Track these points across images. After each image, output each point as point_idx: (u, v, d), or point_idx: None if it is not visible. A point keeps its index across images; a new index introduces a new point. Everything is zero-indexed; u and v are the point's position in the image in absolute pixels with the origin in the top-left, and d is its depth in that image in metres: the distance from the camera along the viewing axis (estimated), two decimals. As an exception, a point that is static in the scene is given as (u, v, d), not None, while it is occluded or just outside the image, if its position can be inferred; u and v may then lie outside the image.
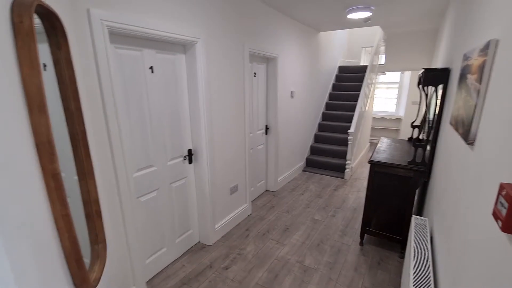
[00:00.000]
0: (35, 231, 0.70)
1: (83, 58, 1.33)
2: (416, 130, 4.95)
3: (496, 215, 0.58)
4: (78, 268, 0.86)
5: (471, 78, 1.05)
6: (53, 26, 0.88)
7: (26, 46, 0.68)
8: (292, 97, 3.79)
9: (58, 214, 0.78)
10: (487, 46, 0.90)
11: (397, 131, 6.54)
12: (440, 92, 1.93)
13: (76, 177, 1.05)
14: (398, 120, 6.44)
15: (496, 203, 0.59)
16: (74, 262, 0.84)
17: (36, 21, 0.81)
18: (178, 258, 2.28)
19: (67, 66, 0.93)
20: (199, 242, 2.51)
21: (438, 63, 2.94)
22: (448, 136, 1.53)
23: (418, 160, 2.15)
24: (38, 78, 0.70)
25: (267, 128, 3.49)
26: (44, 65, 1.00)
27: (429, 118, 2.38)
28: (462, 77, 1.25)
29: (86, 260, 1.05)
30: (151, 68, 1.80)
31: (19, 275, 0.63)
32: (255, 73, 3.04)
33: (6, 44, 0.65)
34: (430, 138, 2.07)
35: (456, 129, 1.23)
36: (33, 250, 0.69)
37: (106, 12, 1.38)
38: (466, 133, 1.02)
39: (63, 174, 0.87)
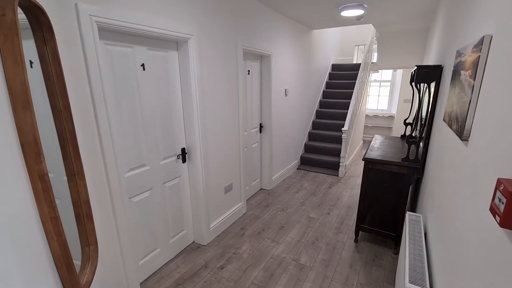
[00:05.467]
0: (20, 234, 0.67)
1: (71, 54, 1.29)
2: (409, 127, 5.01)
3: (493, 210, 0.57)
4: (68, 272, 0.83)
5: (465, 74, 1.05)
6: (39, 20, 0.84)
7: (9, 41, 0.65)
8: (286, 95, 3.78)
9: (46, 216, 0.75)
10: (480, 42, 0.90)
11: (389, 128, 6.61)
12: (432, 89, 1.94)
13: (65, 178, 1.02)
14: (391, 117, 6.51)
15: (493, 199, 0.59)
16: (64, 266, 0.81)
17: (21, 16, 0.78)
18: (172, 258, 2.25)
19: (54, 62, 0.89)
20: (193, 242, 2.49)
21: (429, 61, 2.97)
22: (442, 133, 1.54)
23: (412, 157, 2.17)
24: (23, 74, 0.66)
25: (261, 127, 3.47)
26: (31, 62, 0.96)
27: (421, 115, 2.40)
28: (455, 73, 1.26)
29: (77, 262, 1.02)
30: (142, 65, 1.76)
31: (2, 281, 0.60)
32: (248, 70, 3.02)
33: (-13, 38, 0.61)
34: (423, 135, 2.09)
35: (450, 126, 1.24)
36: (18, 254, 0.66)
37: (94, 7, 1.34)
38: (460, 129, 1.02)
39: (51, 175, 0.84)
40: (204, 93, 2.21)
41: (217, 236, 2.59)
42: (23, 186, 0.69)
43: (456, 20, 1.56)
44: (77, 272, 0.91)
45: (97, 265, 1.09)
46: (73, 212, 1.04)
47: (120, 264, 1.71)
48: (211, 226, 2.50)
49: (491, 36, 0.85)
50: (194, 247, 2.41)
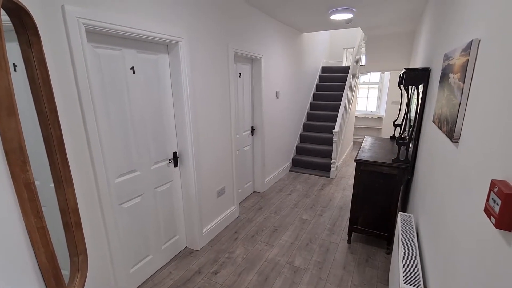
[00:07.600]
0: (4, 246, 0.63)
1: (58, 57, 1.25)
2: (398, 128, 5.11)
3: (488, 211, 0.58)
4: (57, 284, 0.79)
5: (454, 77, 1.08)
6: (23, 22, 0.80)
7: (-9, 43, 0.62)
8: (277, 97, 3.79)
9: (33, 227, 0.71)
10: (469, 46, 0.92)
11: (378, 129, 6.72)
12: (421, 91, 1.99)
13: (52, 185, 0.98)
14: (380, 119, 6.63)
15: (487, 200, 0.60)
16: (52, 278, 0.78)
17: (4, 18, 0.74)
18: (165, 265, 2.20)
19: (40, 66, 0.86)
20: (186, 247, 2.44)
21: (417, 64, 3.04)
22: (431, 134, 1.57)
23: (402, 158, 2.21)
24: (6, 79, 0.63)
25: (253, 129, 3.47)
26: (14, 66, 0.92)
27: (410, 116, 2.45)
28: (444, 76, 1.29)
29: (65, 272, 0.97)
30: (132, 68, 1.73)
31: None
32: (240, 73, 3.01)
33: (-33, 40, 0.58)
34: (413, 136, 2.13)
35: (440, 127, 1.26)
36: (3, 266, 0.62)
37: (82, 9, 1.30)
38: (451, 131, 1.04)
39: (37, 182, 0.80)
40: (196, 96, 2.19)
41: (210, 240, 2.55)
42: (8, 196, 0.66)
43: (443, 24, 1.60)
44: (66, 284, 0.87)
45: (87, 276, 1.05)
46: (60, 220, 1.00)
47: (110, 272, 1.65)
48: (204, 231, 2.47)
49: (479, 41, 0.87)
50: (187, 253, 2.36)
